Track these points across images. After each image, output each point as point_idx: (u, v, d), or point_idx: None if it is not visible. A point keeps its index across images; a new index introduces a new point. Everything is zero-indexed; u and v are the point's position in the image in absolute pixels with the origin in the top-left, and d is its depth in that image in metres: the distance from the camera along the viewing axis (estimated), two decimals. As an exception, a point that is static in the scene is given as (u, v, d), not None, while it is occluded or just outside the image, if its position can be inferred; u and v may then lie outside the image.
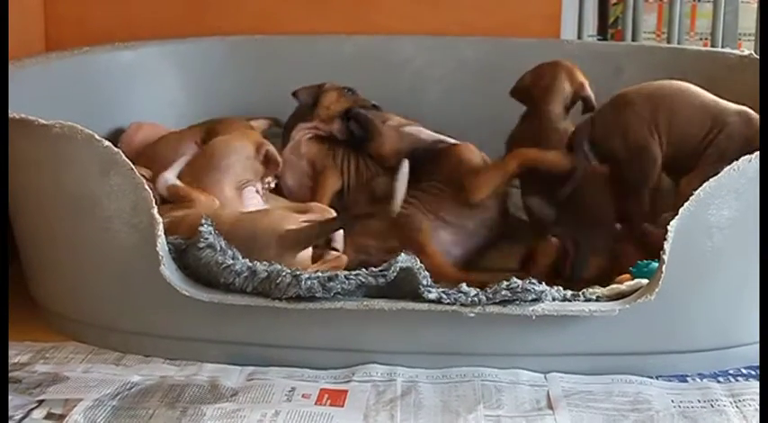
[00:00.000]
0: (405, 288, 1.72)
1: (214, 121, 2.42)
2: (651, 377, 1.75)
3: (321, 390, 1.71)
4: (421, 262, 1.73)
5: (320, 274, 1.71)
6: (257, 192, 2.09)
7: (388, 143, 2.31)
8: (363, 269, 1.73)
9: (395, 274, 1.70)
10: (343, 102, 2.41)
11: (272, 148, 2.14)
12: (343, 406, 1.66)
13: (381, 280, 1.71)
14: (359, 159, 2.36)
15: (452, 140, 2.31)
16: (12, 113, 1.79)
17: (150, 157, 2.23)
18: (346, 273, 1.72)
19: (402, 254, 1.72)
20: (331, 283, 1.69)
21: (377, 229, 2.09)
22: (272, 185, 2.19)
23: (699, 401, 1.68)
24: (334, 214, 1.97)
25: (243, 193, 2.06)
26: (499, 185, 2.19)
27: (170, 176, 2.03)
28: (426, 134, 2.33)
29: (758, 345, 1.77)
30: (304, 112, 2.42)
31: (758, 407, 1.64)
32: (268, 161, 2.13)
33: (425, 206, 2.16)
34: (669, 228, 1.68)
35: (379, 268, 1.72)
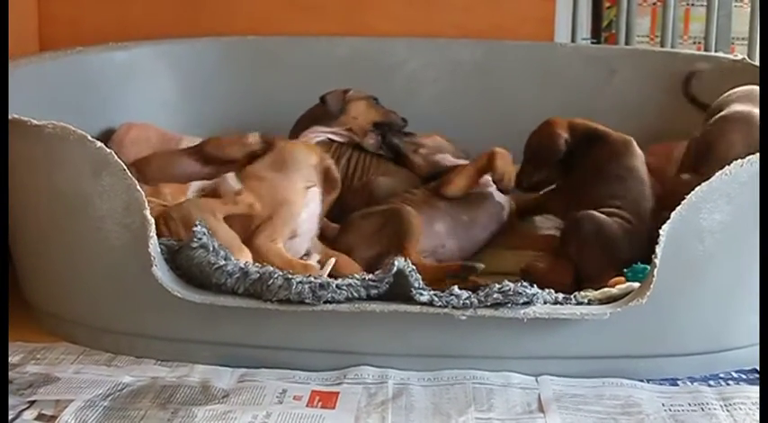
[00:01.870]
0: (396, 290, 1.72)
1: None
2: (642, 380, 1.75)
3: (312, 391, 1.71)
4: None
5: (312, 279, 1.72)
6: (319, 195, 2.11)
7: (416, 170, 2.36)
8: (356, 278, 1.73)
9: (387, 285, 1.71)
10: (372, 113, 2.43)
11: (333, 165, 2.17)
12: (334, 408, 1.66)
13: (374, 291, 1.71)
14: (362, 163, 2.37)
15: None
16: (5, 113, 1.79)
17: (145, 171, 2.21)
18: (338, 281, 1.72)
19: (395, 263, 1.71)
20: (322, 292, 1.70)
21: (371, 230, 2.10)
22: None
23: (689, 405, 1.68)
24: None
25: (308, 192, 2.07)
26: (472, 179, 2.20)
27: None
28: (450, 160, 2.35)
29: (749, 348, 1.78)
30: (320, 116, 2.42)
31: (749, 411, 1.65)
32: (326, 175, 2.14)
33: (420, 199, 2.18)
34: (661, 232, 1.68)
35: (371, 277, 1.72)
